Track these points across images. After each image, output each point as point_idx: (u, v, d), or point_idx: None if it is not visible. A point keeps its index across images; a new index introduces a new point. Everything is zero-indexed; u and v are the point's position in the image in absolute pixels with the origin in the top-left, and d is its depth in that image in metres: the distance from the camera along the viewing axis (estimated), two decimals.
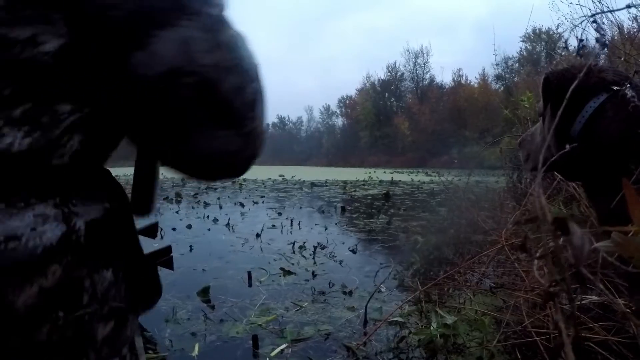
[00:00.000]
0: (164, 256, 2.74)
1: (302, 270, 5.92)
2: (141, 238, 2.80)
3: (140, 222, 4.26)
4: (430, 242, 6.72)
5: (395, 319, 3.95)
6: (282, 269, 5.89)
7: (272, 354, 3.38)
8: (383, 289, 4.91)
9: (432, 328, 3.50)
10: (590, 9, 6.03)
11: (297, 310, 4.33)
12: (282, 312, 4.26)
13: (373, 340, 3.60)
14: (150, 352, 3.36)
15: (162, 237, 7.92)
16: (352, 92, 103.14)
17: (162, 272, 4.44)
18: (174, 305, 4.36)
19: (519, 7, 28.87)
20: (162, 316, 4.12)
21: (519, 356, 3.10)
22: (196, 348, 3.44)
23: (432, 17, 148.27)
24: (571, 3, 6.69)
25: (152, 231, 3.90)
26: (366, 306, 4.14)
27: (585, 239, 1.10)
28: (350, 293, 4.91)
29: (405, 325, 3.86)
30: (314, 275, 5.69)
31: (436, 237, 6.94)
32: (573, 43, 7.45)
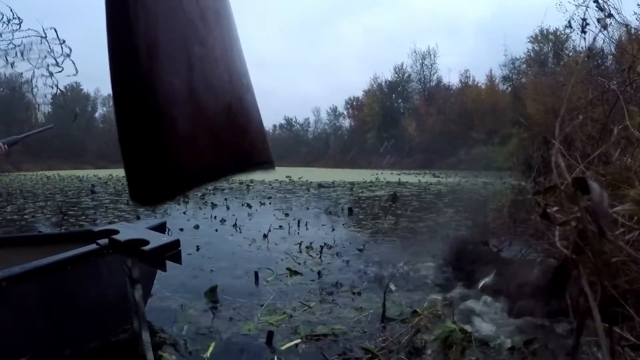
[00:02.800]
0: (172, 250, 2.77)
1: (309, 270, 5.94)
2: (151, 233, 2.84)
3: (149, 222, 4.30)
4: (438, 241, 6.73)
5: (405, 317, 4.01)
6: (288, 269, 5.91)
7: (285, 347, 3.43)
8: (393, 288, 4.92)
9: (447, 324, 3.60)
10: (596, 10, 6.05)
11: (304, 310, 4.35)
12: (290, 311, 4.27)
13: (389, 338, 3.63)
14: (166, 353, 3.38)
15: None
16: (359, 94, 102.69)
17: (171, 272, 4.48)
18: (184, 305, 4.40)
19: (522, 7, 28.81)
20: (173, 315, 4.15)
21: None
22: (211, 347, 3.46)
23: (435, 18, 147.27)
24: (578, 4, 6.70)
25: (160, 229, 3.93)
26: (384, 304, 4.17)
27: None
28: (359, 293, 4.92)
29: (419, 323, 3.88)
30: (319, 274, 5.72)
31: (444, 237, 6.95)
32: (580, 44, 7.44)
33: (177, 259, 2.82)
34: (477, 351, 3.36)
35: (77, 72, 6.17)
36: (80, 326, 3.18)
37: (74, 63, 6.08)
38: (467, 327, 3.61)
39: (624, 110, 4.35)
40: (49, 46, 6.01)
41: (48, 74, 6.18)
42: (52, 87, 6.23)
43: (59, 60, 5.99)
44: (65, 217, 11.63)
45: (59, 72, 6.09)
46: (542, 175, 5.40)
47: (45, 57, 6.08)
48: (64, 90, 6.43)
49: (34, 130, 4.85)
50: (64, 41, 5.95)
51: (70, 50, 5.96)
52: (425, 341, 3.52)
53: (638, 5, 6.33)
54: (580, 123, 5.54)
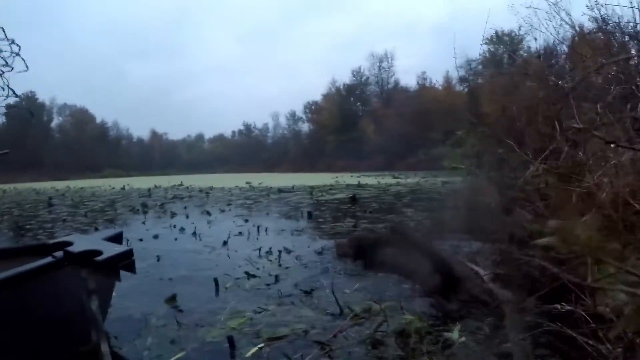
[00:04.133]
0: (126, 260, 2.76)
1: (268, 274, 5.97)
2: (104, 244, 2.83)
3: (105, 232, 4.26)
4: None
5: (362, 313, 4.11)
6: (246, 272, 5.97)
7: (249, 353, 3.44)
8: (347, 291, 4.98)
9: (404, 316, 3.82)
10: (546, 12, 6.19)
11: (264, 313, 4.37)
12: (251, 314, 4.31)
13: (347, 332, 3.75)
14: None
15: None
16: (318, 97, 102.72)
17: (131, 282, 4.44)
18: (145, 315, 4.37)
19: (477, 10, 29.20)
20: (135, 325, 4.12)
21: None
22: (176, 356, 3.44)
23: (393, 21, 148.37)
24: (529, 6, 6.85)
25: (117, 240, 3.89)
26: (338, 302, 4.33)
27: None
28: (316, 294, 4.99)
29: (376, 316, 4.00)
30: (277, 279, 5.77)
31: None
32: (532, 45, 7.62)
33: (131, 268, 2.81)
34: (433, 339, 3.46)
35: (27, 69, 6.10)
36: (40, 342, 3.14)
37: (24, 60, 6.02)
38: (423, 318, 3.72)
39: (574, 107, 4.47)
40: None
41: None
42: (2, 87, 6.15)
43: (9, 60, 5.91)
44: (23, 232, 11.45)
45: (9, 71, 6.02)
46: (494, 171, 5.52)
47: None
48: (15, 91, 6.35)
49: None
50: (12, 40, 5.88)
51: (19, 47, 5.89)
52: (385, 333, 3.64)
53: (587, 6, 6.48)
54: (531, 121, 5.66)
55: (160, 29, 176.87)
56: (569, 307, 3.09)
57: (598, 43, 6.33)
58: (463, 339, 3.37)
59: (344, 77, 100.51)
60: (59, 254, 3.03)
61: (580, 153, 4.51)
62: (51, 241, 3.59)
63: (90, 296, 2.89)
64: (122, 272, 2.81)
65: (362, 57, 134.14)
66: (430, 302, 4.38)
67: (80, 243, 3.08)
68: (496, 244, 5.15)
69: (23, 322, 3.01)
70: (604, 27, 6.37)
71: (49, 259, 3.05)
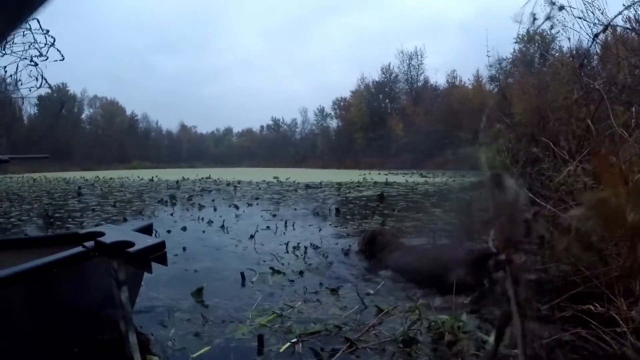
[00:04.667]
0: (158, 252, 2.76)
1: (295, 270, 5.92)
2: (136, 235, 2.84)
3: (136, 223, 4.27)
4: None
5: (393, 312, 4.06)
6: (271, 268, 5.93)
7: (282, 349, 3.42)
8: (371, 291, 4.92)
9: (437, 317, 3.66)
10: (581, 11, 6.09)
11: (291, 310, 4.33)
12: (277, 311, 4.25)
13: (379, 330, 3.72)
14: (155, 358, 3.35)
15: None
16: (346, 94, 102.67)
17: (157, 272, 4.45)
18: (171, 306, 4.39)
19: (506, 7, 28.78)
20: (160, 317, 4.13)
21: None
22: (202, 350, 3.43)
23: (422, 18, 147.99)
24: (562, 5, 6.74)
25: (147, 231, 3.91)
26: (362, 300, 4.31)
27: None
28: (341, 291, 4.94)
29: (407, 317, 3.93)
30: (302, 274, 5.74)
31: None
32: (565, 45, 7.46)
33: (162, 260, 2.81)
34: (469, 340, 3.39)
35: (63, 58, 6.17)
36: (67, 329, 3.16)
37: (59, 51, 6.10)
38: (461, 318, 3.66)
39: (608, 109, 4.39)
40: (33, 37, 6.03)
41: (32, 64, 6.20)
42: (36, 78, 6.24)
43: (43, 50, 5.99)
44: (52, 220, 11.57)
45: (44, 60, 6.11)
46: (528, 167, 5.45)
47: (29, 48, 6.10)
48: (48, 82, 6.43)
49: (27, 155, 4.86)
50: (47, 31, 5.95)
51: (54, 39, 5.97)
52: (419, 332, 3.58)
53: (623, 5, 6.37)
54: (565, 122, 5.59)
55: (188, 23, 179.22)
56: (602, 309, 3.03)
57: (632, 44, 6.22)
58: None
59: (371, 74, 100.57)
60: (90, 243, 3.04)
61: (613, 158, 4.42)
62: (82, 231, 3.61)
63: (120, 287, 2.90)
64: (153, 264, 2.82)
65: (389, 54, 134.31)
66: (463, 304, 4.32)
67: (112, 234, 3.08)
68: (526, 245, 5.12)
69: (52, 310, 3.04)
70: (637, 27, 6.25)
71: (79, 249, 3.07)
